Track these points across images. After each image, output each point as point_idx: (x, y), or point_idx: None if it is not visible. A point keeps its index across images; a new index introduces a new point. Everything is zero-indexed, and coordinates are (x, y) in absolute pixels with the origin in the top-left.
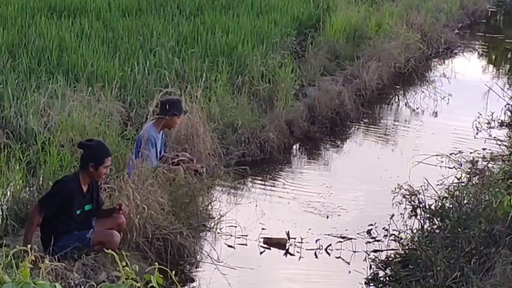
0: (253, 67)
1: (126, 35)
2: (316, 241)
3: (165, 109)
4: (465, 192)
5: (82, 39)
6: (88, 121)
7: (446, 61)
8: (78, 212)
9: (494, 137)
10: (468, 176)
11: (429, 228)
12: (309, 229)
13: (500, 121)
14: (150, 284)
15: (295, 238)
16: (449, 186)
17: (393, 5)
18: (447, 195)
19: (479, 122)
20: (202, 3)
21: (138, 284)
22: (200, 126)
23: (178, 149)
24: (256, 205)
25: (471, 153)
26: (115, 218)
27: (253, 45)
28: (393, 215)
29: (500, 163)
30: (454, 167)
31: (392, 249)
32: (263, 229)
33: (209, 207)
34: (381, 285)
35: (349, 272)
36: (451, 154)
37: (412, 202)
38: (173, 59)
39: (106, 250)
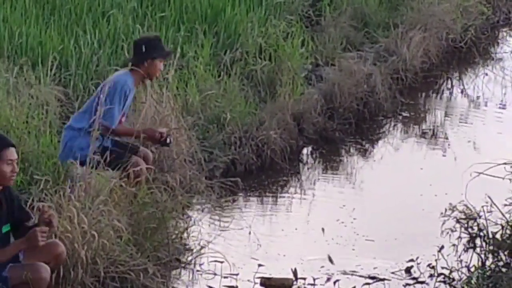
0: (247, 39)
1: None
2: (335, 282)
3: (141, 53)
4: None
5: None
6: (13, 113)
7: None
8: None
9: None
10: None
11: (493, 266)
12: (323, 266)
13: None
14: None
15: (304, 279)
16: None
17: None
18: None
19: None
20: None
21: None
22: (173, 121)
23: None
24: (250, 232)
25: None
26: (50, 247)
27: (248, 7)
28: (442, 247)
29: None
30: None
31: None
32: (259, 265)
33: (185, 234)
34: None
35: None
36: None
37: (470, 229)
38: (135, 27)
39: None
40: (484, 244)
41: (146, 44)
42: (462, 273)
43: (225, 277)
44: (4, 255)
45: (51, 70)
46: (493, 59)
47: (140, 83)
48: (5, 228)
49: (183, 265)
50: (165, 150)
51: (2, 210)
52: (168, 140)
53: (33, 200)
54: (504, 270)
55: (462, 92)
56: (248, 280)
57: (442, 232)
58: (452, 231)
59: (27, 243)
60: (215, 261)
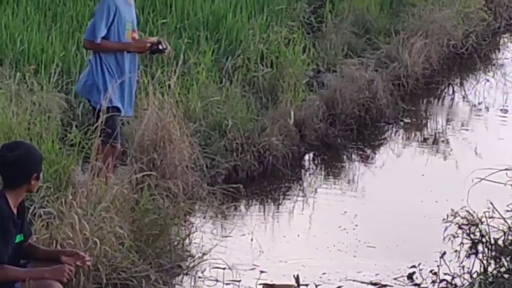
0: (249, 45)
1: None
2: None
3: None
4: None
5: (8, 3)
6: (15, 120)
7: None
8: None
9: None
10: None
11: (495, 272)
12: (324, 273)
13: None
14: None
15: (307, 285)
16: None
17: None
18: None
19: None
20: None
21: None
22: (175, 127)
23: (143, 160)
24: (252, 239)
25: None
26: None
27: (249, 14)
28: (444, 253)
29: None
30: None
31: None
32: (261, 272)
33: (187, 241)
34: None
35: None
36: None
37: (472, 235)
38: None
39: None
40: (486, 250)
41: None
42: (464, 279)
43: (227, 284)
44: (22, 275)
45: (53, 76)
46: (494, 65)
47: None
48: (19, 238)
49: (185, 271)
50: (168, 158)
51: (18, 220)
52: (160, 47)
53: (34, 207)
54: (506, 276)
55: (463, 98)
56: (250, 287)
57: (444, 238)
58: (454, 237)
59: (52, 275)
60: (217, 267)
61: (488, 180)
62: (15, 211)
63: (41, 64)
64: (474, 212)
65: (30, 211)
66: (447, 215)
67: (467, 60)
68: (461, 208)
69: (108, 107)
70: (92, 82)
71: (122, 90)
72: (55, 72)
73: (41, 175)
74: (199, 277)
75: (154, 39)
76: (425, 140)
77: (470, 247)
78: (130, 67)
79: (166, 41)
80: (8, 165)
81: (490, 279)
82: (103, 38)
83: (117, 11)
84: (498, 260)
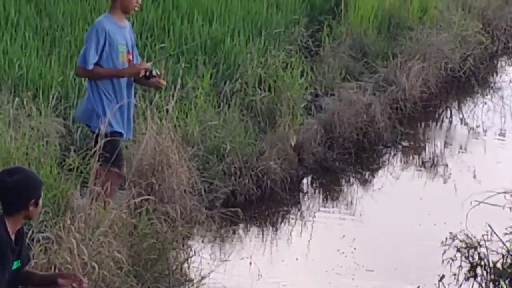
0: (246, 69)
1: (68, 25)
2: None
3: None
4: None
5: (6, 29)
6: (14, 145)
7: None
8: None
9: None
10: None
11: None
12: None
13: None
14: None
15: None
16: None
17: None
18: None
19: None
20: None
21: None
22: (173, 152)
23: (141, 184)
24: (251, 263)
25: None
26: None
27: (247, 38)
28: (443, 277)
29: None
30: None
31: None
32: None
33: (186, 265)
34: None
35: None
36: None
37: (470, 258)
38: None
39: None
40: (485, 273)
41: None
42: None
43: None
44: None
45: (51, 101)
46: (492, 88)
47: (123, 18)
48: (16, 265)
49: None
50: (166, 182)
51: (16, 246)
52: (154, 73)
53: (33, 232)
54: None
55: (461, 121)
56: None
57: (443, 261)
58: (452, 260)
59: None
60: None
61: (486, 203)
62: (13, 237)
63: (39, 89)
64: (472, 235)
65: (28, 235)
66: (446, 238)
67: (465, 83)
68: (460, 231)
69: (108, 132)
70: (91, 108)
71: (121, 114)
72: (53, 97)
73: (40, 201)
74: None
75: (148, 65)
76: (423, 163)
77: (469, 270)
78: (128, 91)
79: (164, 65)
80: (6, 190)
81: None
82: (97, 64)
83: (107, 36)
84: (497, 283)
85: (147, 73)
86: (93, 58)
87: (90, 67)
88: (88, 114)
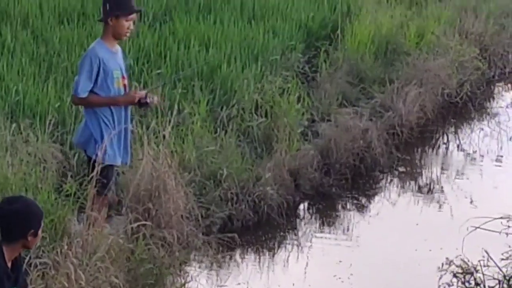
0: (243, 95)
1: (65, 50)
2: None
3: (105, 11)
4: None
5: (2, 54)
6: (11, 170)
7: None
8: None
9: None
10: None
11: None
12: None
13: None
14: None
15: None
16: None
17: (441, 7)
18: None
19: None
20: (172, 4)
21: None
22: (170, 177)
23: (138, 210)
24: None
25: None
26: None
27: (244, 64)
28: None
29: None
30: None
31: None
32: None
33: None
34: None
35: None
36: None
37: (467, 284)
38: (130, 83)
39: None
40: None
41: (111, 2)
42: None
43: None
44: None
45: (48, 127)
46: (488, 114)
47: (115, 43)
48: None
49: None
50: (163, 207)
51: (13, 273)
52: (148, 100)
53: (30, 257)
54: None
55: (458, 147)
56: None
57: (439, 286)
58: (449, 285)
59: None
60: None
61: (483, 229)
62: (9, 264)
63: (36, 115)
64: (469, 260)
65: (26, 261)
66: (442, 264)
67: (461, 109)
68: (456, 257)
69: (105, 161)
70: (89, 133)
71: (118, 139)
72: (50, 123)
73: (39, 232)
74: None
75: (142, 93)
76: (419, 189)
77: None
78: (125, 116)
79: (160, 91)
80: (5, 218)
81: None
82: (92, 91)
83: (101, 63)
84: None
85: (142, 101)
86: (87, 86)
87: (84, 95)
88: (85, 140)
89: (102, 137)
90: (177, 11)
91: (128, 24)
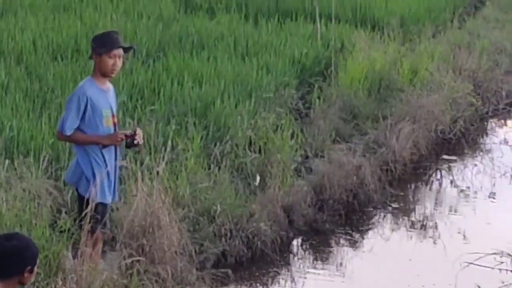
0: (237, 131)
1: (59, 87)
2: None
3: (92, 50)
4: None
5: None
6: (5, 206)
7: (509, 122)
8: None
9: None
10: None
11: None
12: None
13: None
14: None
15: None
16: None
17: (434, 44)
18: None
19: None
20: (165, 41)
21: None
22: (164, 213)
23: (132, 246)
24: None
25: None
26: None
27: (237, 100)
28: None
29: None
30: None
31: None
32: None
33: None
34: None
35: None
36: None
37: None
38: (124, 119)
39: None
40: None
41: (94, 40)
42: None
43: None
44: None
45: (42, 163)
46: (482, 150)
47: (106, 81)
48: None
49: None
50: (157, 243)
51: None
52: (135, 141)
53: None
54: None
55: (451, 183)
56: None
57: None
58: None
59: None
60: None
61: (476, 265)
62: None
63: (30, 151)
64: None
65: None
66: None
67: (455, 145)
68: None
69: (97, 200)
70: (80, 171)
71: (108, 177)
72: (44, 159)
73: (35, 269)
74: None
75: (128, 132)
76: (413, 224)
77: None
78: (115, 154)
79: (154, 128)
80: (2, 255)
81: None
82: (79, 128)
83: (89, 101)
84: None
85: (129, 140)
86: (73, 124)
87: (69, 132)
88: (77, 178)
89: (93, 175)
90: (171, 47)
91: (112, 61)
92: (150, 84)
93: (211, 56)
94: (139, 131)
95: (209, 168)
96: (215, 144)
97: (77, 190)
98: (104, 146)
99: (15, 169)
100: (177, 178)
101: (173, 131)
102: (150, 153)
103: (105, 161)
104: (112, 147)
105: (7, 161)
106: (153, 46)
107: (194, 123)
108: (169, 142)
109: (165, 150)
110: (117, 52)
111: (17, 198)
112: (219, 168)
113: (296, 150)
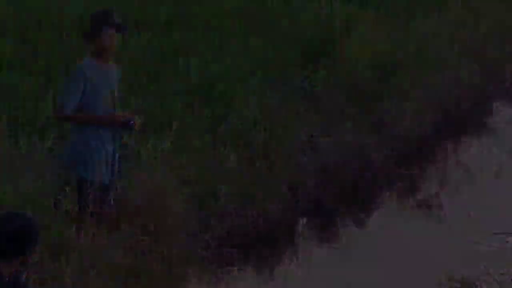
0: (242, 110)
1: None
2: None
3: (91, 28)
4: None
5: None
6: (10, 185)
7: None
8: None
9: None
10: None
11: None
12: None
13: None
14: None
15: None
16: None
17: (438, 21)
18: None
19: None
20: (171, 16)
21: None
22: (169, 192)
23: (137, 225)
24: None
25: None
26: None
27: (243, 79)
28: None
29: None
30: None
31: None
32: None
33: None
34: None
35: None
36: None
37: None
38: (129, 98)
39: None
40: None
41: (91, 19)
42: None
43: None
44: None
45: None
46: (488, 129)
47: (102, 60)
48: None
49: None
50: (161, 223)
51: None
52: (131, 123)
53: (28, 272)
54: None
55: (456, 162)
56: None
57: None
58: None
59: None
60: None
61: (482, 244)
62: (6, 279)
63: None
64: (469, 276)
65: (24, 276)
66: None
67: (460, 124)
68: (456, 272)
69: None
70: (76, 153)
71: (106, 159)
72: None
73: (37, 248)
74: None
75: (127, 115)
76: (418, 204)
77: None
78: (113, 137)
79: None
80: (4, 235)
81: None
82: (78, 109)
83: (88, 81)
84: None
85: (124, 124)
86: (72, 103)
87: (68, 112)
88: (74, 159)
89: (91, 156)
90: (177, 23)
91: (110, 38)
92: (155, 61)
93: (217, 33)
94: (137, 118)
95: (215, 147)
96: (221, 123)
97: (74, 172)
98: (102, 126)
99: (20, 147)
100: (182, 157)
101: (178, 109)
102: (155, 132)
103: (103, 142)
104: (109, 130)
105: (12, 139)
106: (159, 22)
107: (199, 101)
108: (174, 121)
109: (171, 129)
110: (114, 30)
111: (21, 176)
112: (225, 147)
113: (302, 130)
